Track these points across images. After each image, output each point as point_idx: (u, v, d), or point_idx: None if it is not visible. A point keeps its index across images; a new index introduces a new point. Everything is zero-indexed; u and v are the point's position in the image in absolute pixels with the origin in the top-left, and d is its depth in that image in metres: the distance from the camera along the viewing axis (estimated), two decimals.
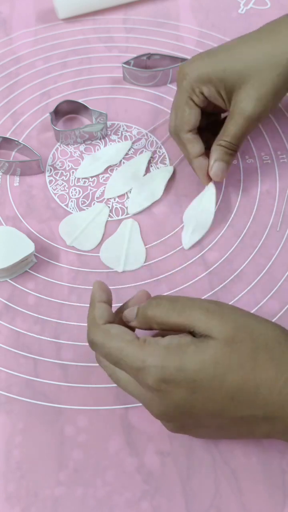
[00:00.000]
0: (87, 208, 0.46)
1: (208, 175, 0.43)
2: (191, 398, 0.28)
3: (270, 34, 0.41)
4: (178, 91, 0.42)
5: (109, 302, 0.33)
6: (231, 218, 0.45)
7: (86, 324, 0.40)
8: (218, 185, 0.47)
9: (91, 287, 0.41)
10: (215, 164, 0.42)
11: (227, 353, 0.28)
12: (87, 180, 0.48)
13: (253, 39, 0.41)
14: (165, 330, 0.31)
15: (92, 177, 0.48)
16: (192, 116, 0.41)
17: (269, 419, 0.29)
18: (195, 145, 0.42)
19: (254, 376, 0.28)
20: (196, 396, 0.28)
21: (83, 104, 0.50)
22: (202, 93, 0.41)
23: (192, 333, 0.30)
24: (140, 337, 0.30)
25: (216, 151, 0.42)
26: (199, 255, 0.43)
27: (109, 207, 0.46)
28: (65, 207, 0.46)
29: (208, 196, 0.44)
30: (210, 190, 0.44)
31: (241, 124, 0.40)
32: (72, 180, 0.48)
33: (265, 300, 0.41)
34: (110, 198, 0.46)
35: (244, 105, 0.40)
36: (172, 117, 0.43)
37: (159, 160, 0.49)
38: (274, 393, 0.28)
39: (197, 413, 0.29)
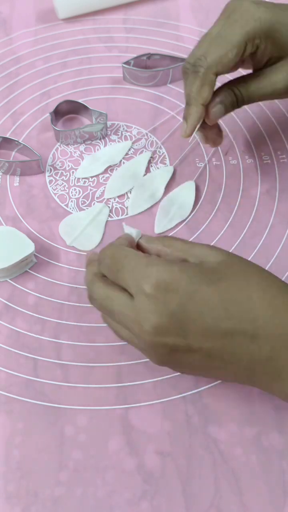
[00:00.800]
0: (87, 208, 0.46)
1: (194, 125, 0.37)
2: (186, 306, 0.28)
3: None
4: (234, 25, 0.35)
5: None
6: (231, 218, 0.45)
7: (86, 324, 0.40)
8: (218, 185, 0.47)
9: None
10: (219, 106, 0.38)
11: (223, 265, 0.30)
12: (87, 180, 0.48)
13: None
14: (165, 255, 0.32)
15: (92, 177, 0.48)
16: (233, 63, 0.35)
17: (256, 339, 0.28)
18: (211, 90, 0.36)
19: (247, 287, 0.29)
20: (191, 304, 0.28)
21: (83, 104, 0.50)
22: (258, 46, 0.36)
23: None
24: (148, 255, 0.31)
25: (226, 94, 0.37)
26: None
27: (109, 207, 0.46)
28: (65, 207, 0.46)
29: (189, 188, 0.45)
30: (190, 185, 0.44)
31: (264, 89, 0.37)
32: (72, 180, 0.48)
33: None
34: (110, 198, 0.46)
35: (280, 77, 0.36)
36: (210, 46, 0.35)
37: (159, 160, 0.49)
38: (265, 304, 0.28)
39: (190, 329, 0.28)
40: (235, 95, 0.38)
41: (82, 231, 0.44)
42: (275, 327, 0.28)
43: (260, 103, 0.52)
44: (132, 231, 0.34)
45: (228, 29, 0.35)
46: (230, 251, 0.43)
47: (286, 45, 0.36)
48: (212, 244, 0.44)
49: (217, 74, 0.35)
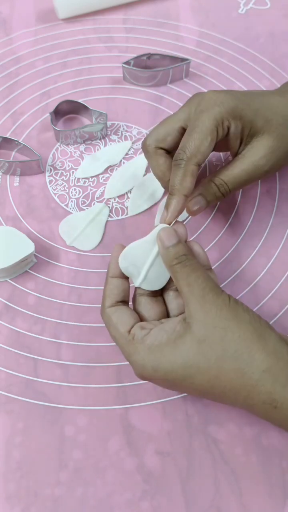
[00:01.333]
0: (87, 208, 0.46)
1: (176, 214, 0.36)
2: (171, 388, 0.33)
3: None
4: (201, 115, 0.36)
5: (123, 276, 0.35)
6: (231, 218, 0.45)
7: (86, 324, 0.40)
8: None
9: (91, 287, 0.41)
10: (198, 198, 0.38)
11: (196, 356, 0.30)
12: (87, 180, 0.48)
13: (278, 92, 0.40)
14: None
15: (92, 177, 0.48)
16: (209, 150, 0.36)
17: (244, 405, 0.30)
18: (194, 182, 0.36)
19: (219, 383, 0.30)
20: (174, 387, 0.32)
21: (83, 104, 0.50)
22: (228, 128, 0.37)
23: (185, 312, 0.32)
24: (132, 329, 0.32)
25: (207, 187, 0.38)
26: None
27: (109, 207, 0.46)
28: (65, 207, 0.46)
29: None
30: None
31: (248, 173, 0.38)
32: (72, 180, 0.48)
33: (265, 300, 0.41)
34: (110, 198, 0.46)
35: (260, 154, 0.38)
36: (187, 141, 0.36)
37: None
38: (239, 400, 0.30)
39: (181, 391, 0.33)
40: (217, 185, 0.38)
41: (82, 231, 0.44)
42: (252, 407, 0.30)
43: None
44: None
45: (198, 120, 0.36)
46: (230, 251, 0.43)
47: (254, 122, 0.37)
48: (212, 244, 0.44)
49: (198, 164, 0.36)
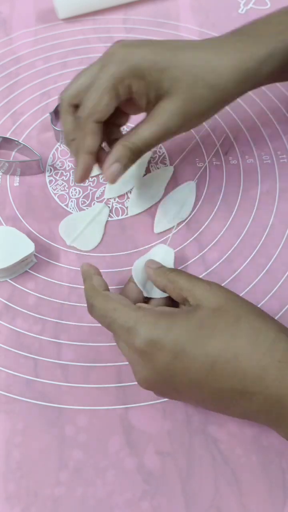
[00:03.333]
0: (87, 208, 0.46)
1: (86, 173, 0.38)
2: (173, 364, 0.29)
3: (236, 43, 0.37)
4: (103, 70, 0.35)
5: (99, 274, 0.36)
6: (231, 218, 0.45)
7: (86, 324, 0.40)
8: (218, 184, 0.47)
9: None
10: (115, 165, 0.37)
11: (211, 318, 0.30)
12: (87, 180, 0.48)
13: (215, 45, 0.37)
14: (169, 291, 0.35)
15: (92, 177, 0.48)
16: (109, 108, 0.35)
17: (246, 395, 0.29)
18: (95, 138, 0.36)
19: (235, 343, 0.29)
20: (178, 362, 0.29)
21: None
22: (130, 87, 0.35)
23: (186, 305, 0.33)
24: (136, 304, 0.33)
25: (121, 151, 0.37)
26: (199, 255, 0.43)
27: (109, 207, 0.46)
28: (65, 207, 0.46)
29: (189, 188, 0.46)
30: (190, 185, 0.44)
31: (158, 133, 0.36)
32: (72, 180, 0.48)
33: (265, 300, 0.41)
34: (110, 198, 0.46)
35: (170, 116, 0.36)
36: (86, 99, 0.35)
37: (159, 160, 0.49)
38: (253, 363, 0.29)
39: (177, 383, 0.30)
40: (130, 149, 0.37)
41: (82, 231, 0.44)
42: (264, 385, 0.29)
43: (260, 102, 0.52)
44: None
45: (99, 75, 0.35)
46: (230, 251, 0.43)
47: (160, 83, 0.35)
48: (212, 244, 0.44)
49: (98, 122, 0.35)
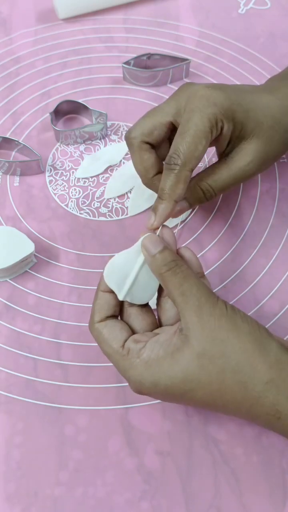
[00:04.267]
0: (87, 208, 0.46)
1: (164, 218, 0.35)
2: (168, 401, 0.32)
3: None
4: (197, 117, 0.33)
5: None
6: (231, 218, 0.45)
7: (86, 324, 0.40)
8: None
9: (91, 287, 0.41)
10: (182, 203, 0.37)
11: (196, 370, 0.29)
12: (87, 180, 0.48)
13: (281, 89, 0.38)
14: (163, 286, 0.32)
15: (92, 177, 0.48)
16: (204, 153, 0.34)
17: (247, 418, 0.30)
18: (185, 188, 0.34)
19: (221, 396, 0.29)
20: (172, 401, 0.31)
21: (83, 104, 0.50)
22: (222, 129, 0.35)
23: (180, 323, 0.31)
24: (126, 343, 0.31)
25: (193, 192, 0.37)
26: (199, 255, 0.43)
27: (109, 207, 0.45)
28: (65, 207, 0.46)
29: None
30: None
31: (235, 177, 0.37)
32: (72, 180, 0.48)
33: (265, 300, 0.41)
34: (110, 198, 0.46)
35: (248, 159, 0.36)
36: (181, 144, 0.33)
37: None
38: (242, 412, 0.29)
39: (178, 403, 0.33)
40: (203, 190, 0.37)
41: (134, 281, 0.33)
42: (258, 421, 0.30)
43: None
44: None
45: (191, 121, 0.33)
46: (230, 251, 0.43)
47: (245, 124, 0.35)
48: (212, 244, 0.44)
49: (192, 170, 0.34)
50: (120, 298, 0.32)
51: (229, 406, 0.29)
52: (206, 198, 0.38)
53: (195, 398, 0.29)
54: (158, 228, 0.34)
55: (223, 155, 0.38)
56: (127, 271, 0.32)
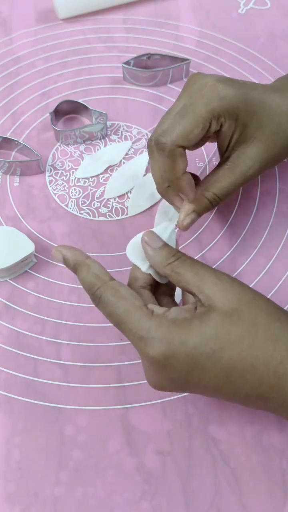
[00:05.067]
0: (87, 208, 0.46)
1: (193, 190, 0.37)
2: (187, 375, 0.28)
3: None
4: (201, 104, 0.34)
5: None
6: (231, 218, 0.45)
7: (86, 324, 0.40)
8: None
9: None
10: (192, 215, 0.37)
11: (226, 327, 0.28)
12: (87, 180, 0.48)
13: (274, 89, 0.37)
14: (173, 281, 0.31)
15: (92, 177, 0.48)
16: (198, 136, 0.34)
17: (262, 398, 0.29)
18: (184, 161, 0.35)
19: (251, 352, 0.28)
20: (193, 373, 0.28)
21: (83, 104, 0.50)
22: (222, 125, 0.35)
23: (197, 302, 0.30)
24: (148, 305, 0.30)
25: (199, 202, 0.37)
26: (199, 255, 0.43)
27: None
28: (65, 207, 0.46)
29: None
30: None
31: (239, 183, 0.37)
32: (72, 180, 0.48)
33: None
34: (110, 198, 0.46)
35: (250, 164, 0.36)
36: (175, 123, 0.34)
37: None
38: (269, 372, 0.28)
39: (192, 389, 0.30)
40: (209, 199, 0.37)
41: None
42: (280, 392, 0.28)
43: None
44: (139, 264, 0.32)
45: (194, 104, 0.34)
46: (230, 251, 0.43)
47: (248, 126, 0.35)
48: (212, 244, 0.44)
49: (183, 148, 0.34)
50: (144, 270, 0.33)
51: (258, 366, 0.28)
52: (212, 205, 0.38)
53: (223, 359, 0.28)
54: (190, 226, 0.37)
55: (224, 158, 0.38)
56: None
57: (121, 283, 0.30)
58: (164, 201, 0.46)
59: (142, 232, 0.33)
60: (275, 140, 0.37)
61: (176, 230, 0.43)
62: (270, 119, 0.36)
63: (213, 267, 0.42)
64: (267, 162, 0.37)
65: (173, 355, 0.28)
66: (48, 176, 0.48)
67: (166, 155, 0.34)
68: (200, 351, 0.28)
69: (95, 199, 0.46)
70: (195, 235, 0.44)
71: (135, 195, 0.46)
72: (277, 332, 0.29)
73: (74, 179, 0.48)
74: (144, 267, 0.33)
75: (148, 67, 0.54)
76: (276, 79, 0.43)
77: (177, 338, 0.28)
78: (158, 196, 0.46)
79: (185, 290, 0.31)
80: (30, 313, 0.40)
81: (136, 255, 0.33)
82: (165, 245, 0.32)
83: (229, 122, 0.35)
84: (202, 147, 0.49)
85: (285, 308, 0.40)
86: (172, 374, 0.29)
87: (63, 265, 0.43)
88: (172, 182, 0.36)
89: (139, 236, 0.33)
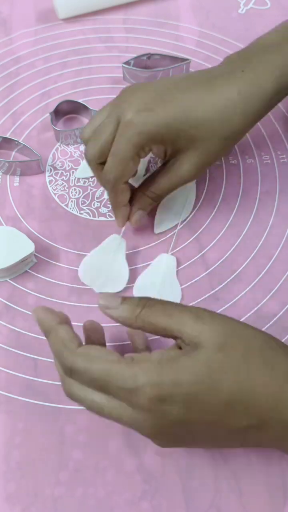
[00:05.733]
0: (87, 208, 0.46)
1: (125, 220, 0.42)
2: (188, 413, 0.27)
3: (228, 77, 0.37)
4: (122, 142, 0.36)
5: (67, 322, 0.32)
6: (231, 218, 0.45)
7: (85, 324, 0.40)
8: (218, 185, 0.47)
9: (91, 287, 0.41)
10: (138, 212, 0.41)
11: (220, 359, 0.27)
12: (87, 180, 0.48)
13: (209, 83, 0.37)
14: (149, 332, 0.30)
15: (92, 177, 0.48)
16: (134, 169, 0.38)
17: (262, 427, 0.28)
18: (126, 194, 0.40)
19: (249, 380, 0.27)
20: (193, 409, 0.27)
21: (83, 104, 0.50)
22: (150, 150, 0.38)
23: (180, 343, 0.29)
24: (125, 355, 0.28)
25: (142, 200, 0.41)
26: (199, 255, 0.43)
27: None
28: (65, 207, 0.46)
29: (189, 188, 0.46)
30: (190, 185, 0.44)
31: (175, 184, 0.40)
32: (72, 180, 0.48)
33: (265, 300, 0.41)
34: None
35: (186, 168, 0.38)
36: (111, 166, 0.37)
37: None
38: (269, 398, 0.27)
39: (193, 428, 0.28)
40: (149, 197, 0.41)
41: (107, 275, 0.41)
42: (281, 414, 0.28)
43: None
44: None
45: (118, 145, 0.36)
46: (230, 251, 0.43)
47: (176, 143, 0.37)
48: (212, 244, 0.44)
49: (125, 182, 0.38)
50: (97, 291, 0.39)
51: (258, 391, 0.27)
52: (154, 201, 0.42)
53: (222, 388, 0.27)
54: (123, 226, 0.42)
55: (164, 163, 0.40)
56: (100, 266, 0.41)
57: (90, 345, 0.29)
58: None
59: (89, 254, 0.42)
60: (208, 146, 0.38)
61: (175, 232, 0.44)
62: (198, 129, 0.36)
63: (213, 267, 0.42)
64: (202, 165, 0.39)
65: (169, 397, 0.26)
66: (48, 176, 0.48)
67: (113, 191, 0.39)
68: (196, 387, 0.26)
69: (95, 199, 0.46)
70: (195, 235, 0.44)
71: (162, 210, 0.45)
72: (270, 358, 0.28)
73: (74, 179, 0.48)
74: (96, 287, 0.40)
75: (148, 67, 0.54)
76: (225, 58, 0.41)
77: (168, 379, 0.26)
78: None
79: (164, 337, 0.29)
80: (30, 313, 0.40)
81: (88, 276, 0.41)
82: (124, 299, 0.30)
83: (155, 146, 0.37)
84: None
85: (285, 309, 0.41)
86: (171, 417, 0.27)
87: (63, 265, 0.43)
88: (115, 211, 0.41)
89: (88, 258, 0.42)
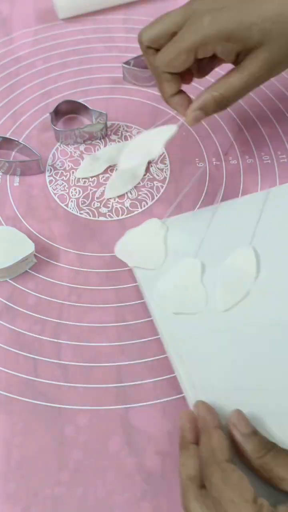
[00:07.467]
0: (87, 208, 0.46)
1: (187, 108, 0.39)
2: None
3: None
4: (189, 31, 0.35)
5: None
6: None
7: (86, 324, 0.40)
8: (218, 185, 0.47)
9: (91, 287, 0.41)
10: (198, 112, 0.38)
11: None
12: (87, 180, 0.48)
13: None
14: (264, 476, 0.30)
15: (92, 177, 0.48)
16: (186, 64, 0.37)
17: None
18: (172, 85, 0.38)
19: None
20: None
21: (83, 104, 0.50)
22: (213, 50, 0.36)
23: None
24: (258, 499, 0.28)
25: (205, 98, 0.38)
26: None
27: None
28: (65, 207, 0.46)
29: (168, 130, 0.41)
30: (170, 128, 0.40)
31: (246, 83, 0.37)
32: (72, 180, 0.48)
33: None
34: (110, 198, 0.46)
35: (258, 65, 0.37)
36: (167, 52, 0.37)
37: (159, 160, 0.49)
38: None
39: None
40: (215, 100, 0.38)
41: (145, 249, 0.42)
42: None
43: (260, 102, 0.52)
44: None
45: (181, 35, 0.36)
46: None
47: (247, 39, 0.36)
48: None
49: (171, 73, 0.38)
50: (130, 265, 0.41)
51: None
52: (218, 106, 0.38)
53: None
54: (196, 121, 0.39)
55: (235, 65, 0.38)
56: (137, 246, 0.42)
57: (235, 468, 0.29)
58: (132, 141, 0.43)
59: (131, 230, 0.39)
60: (282, 41, 0.36)
61: (168, 213, 0.44)
62: (273, 22, 0.36)
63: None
64: (277, 62, 0.37)
65: None
66: (48, 176, 0.48)
67: (159, 78, 0.39)
68: None
69: (95, 199, 0.46)
70: None
71: (115, 177, 0.46)
72: None
73: (74, 179, 0.48)
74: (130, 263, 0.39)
75: None
76: None
77: None
78: (155, 153, 0.43)
79: (276, 486, 0.29)
80: (30, 313, 0.40)
81: (123, 253, 0.40)
82: (254, 432, 0.31)
83: (221, 45, 0.36)
84: (202, 147, 0.49)
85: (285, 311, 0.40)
86: None
87: (63, 265, 0.43)
88: (165, 101, 0.40)
89: (127, 235, 0.41)
